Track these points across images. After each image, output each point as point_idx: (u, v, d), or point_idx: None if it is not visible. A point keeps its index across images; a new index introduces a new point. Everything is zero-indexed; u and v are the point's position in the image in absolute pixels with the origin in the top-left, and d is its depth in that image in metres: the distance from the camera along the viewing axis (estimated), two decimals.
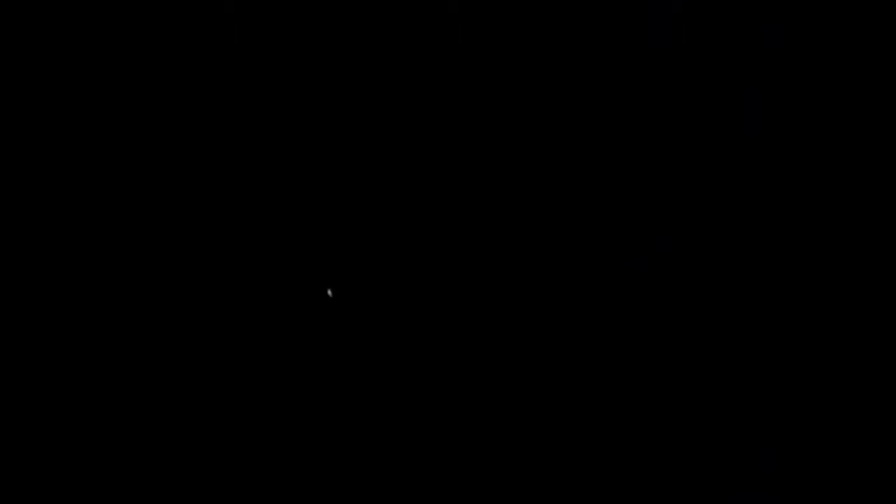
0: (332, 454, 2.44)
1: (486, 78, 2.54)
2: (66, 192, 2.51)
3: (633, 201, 2.50)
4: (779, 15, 2.48)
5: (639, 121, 2.52)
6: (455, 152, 2.54)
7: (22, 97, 2.51)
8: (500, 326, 2.47)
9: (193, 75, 2.54)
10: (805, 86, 2.49)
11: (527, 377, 2.46)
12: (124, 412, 2.44)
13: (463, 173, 2.53)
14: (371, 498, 2.42)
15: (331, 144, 2.55)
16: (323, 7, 2.55)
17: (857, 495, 2.35)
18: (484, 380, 2.46)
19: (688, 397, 2.43)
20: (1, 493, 2.37)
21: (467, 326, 2.48)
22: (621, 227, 2.49)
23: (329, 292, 2.29)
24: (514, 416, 2.44)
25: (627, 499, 2.39)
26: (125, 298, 2.49)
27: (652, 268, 2.47)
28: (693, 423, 2.42)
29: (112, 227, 2.50)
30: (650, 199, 2.50)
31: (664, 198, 2.49)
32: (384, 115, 2.55)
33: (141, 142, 2.53)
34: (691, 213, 2.49)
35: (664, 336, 2.45)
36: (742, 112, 2.49)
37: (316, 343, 2.48)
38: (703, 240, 2.48)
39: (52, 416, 2.43)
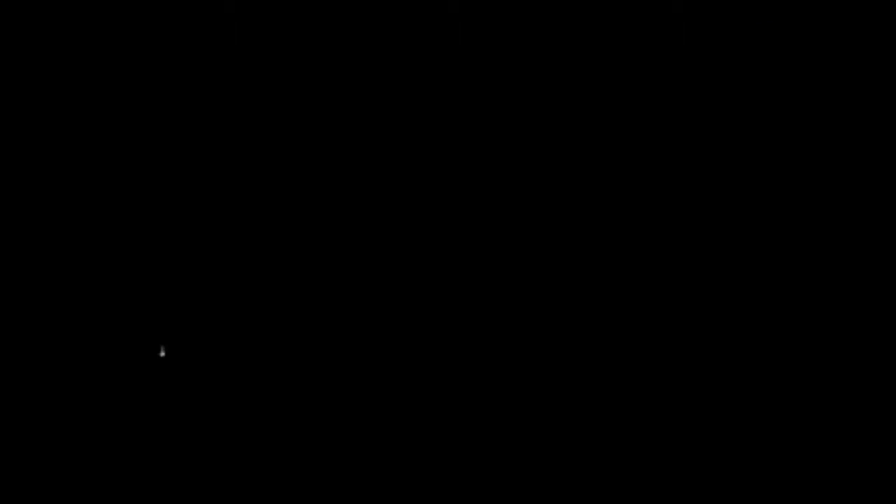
0: (332, 454, 2.44)
1: (485, 77, 2.54)
2: (65, 192, 2.51)
3: (624, 197, 2.50)
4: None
5: (639, 122, 2.52)
6: (452, 150, 2.54)
7: (21, 97, 2.51)
8: (490, 321, 2.48)
9: (193, 75, 2.54)
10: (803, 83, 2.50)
11: (518, 372, 2.46)
12: (125, 412, 2.44)
13: (461, 171, 2.53)
14: (371, 498, 2.42)
15: (331, 144, 2.55)
16: (323, 7, 2.55)
17: (856, 495, 2.35)
18: (470, 374, 2.46)
19: (679, 397, 2.43)
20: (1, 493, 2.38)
21: (454, 321, 2.48)
22: (611, 222, 2.49)
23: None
24: (503, 412, 2.44)
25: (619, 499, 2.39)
26: (125, 298, 2.49)
27: (644, 265, 2.47)
28: (687, 424, 2.42)
29: (111, 227, 2.50)
30: (641, 196, 2.50)
31: (656, 195, 2.50)
32: (384, 115, 2.55)
33: (140, 141, 2.53)
34: (683, 211, 2.49)
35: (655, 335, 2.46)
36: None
37: (316, 343, 2.49)
38: (697, 239, 2.48)
39: (51, 416, 2.43)
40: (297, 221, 2.52)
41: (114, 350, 2.46)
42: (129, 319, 2.48)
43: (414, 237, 2.52)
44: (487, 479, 2.41)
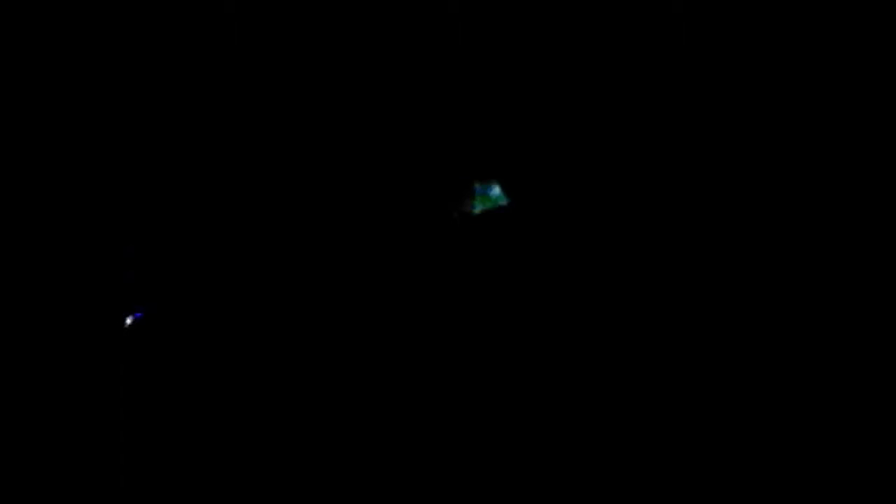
0: (332, 454, 2.44)
1: (485, 77, 2.55)
2: (65, 193, 2.51)
3: None
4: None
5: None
6: (452, 150, 2.54)
7: (21, 97, 2.52)
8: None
9: (193, 75, 2.54)
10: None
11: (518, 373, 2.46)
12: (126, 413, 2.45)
13: (460, 171, 2.54)
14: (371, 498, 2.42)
15: (331, 144, 2.56)
16: (323, 7, 2.56)
17: (856, 495, 2.35)
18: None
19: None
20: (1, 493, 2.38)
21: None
22: None
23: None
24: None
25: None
26: (126, 298, 2.49)
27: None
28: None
29: (111, 227, 2.51)
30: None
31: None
32: (384, 115, 2.55)
33: (140, 141, 2.54)
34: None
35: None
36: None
37: (316, 344, 2.49)
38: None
39: (51, 416, 2.43)
40: (297, 221, 2.53)
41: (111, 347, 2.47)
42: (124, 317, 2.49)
43: (416, 236, 2.52)
44: (486, 479, 2.42)
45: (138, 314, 2.45)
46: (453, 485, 2.42)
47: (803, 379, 2.42)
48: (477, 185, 2.33)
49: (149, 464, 2.42)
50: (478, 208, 2.47)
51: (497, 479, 2.41)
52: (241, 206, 2.54)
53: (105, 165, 2.53)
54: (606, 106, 2.53)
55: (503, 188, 2.52)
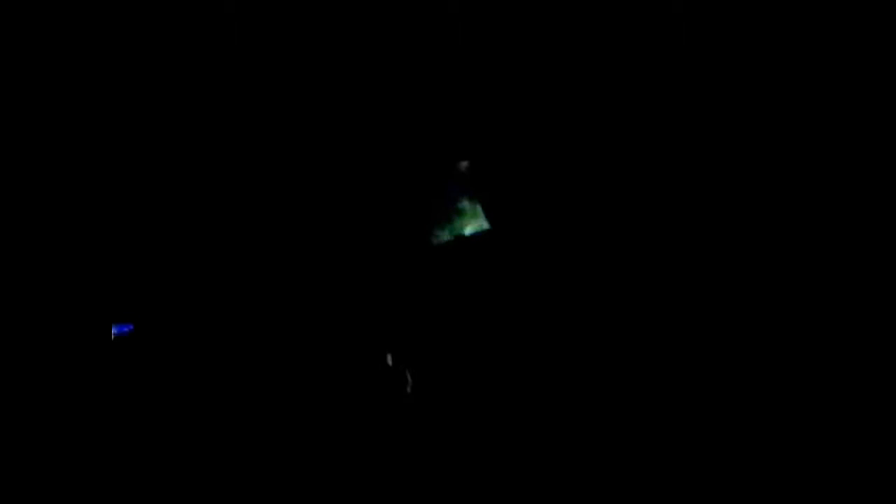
0: (333, 454, 2.44)
1: (484, 77, 2.55)
2: (65, 193, 2.51)
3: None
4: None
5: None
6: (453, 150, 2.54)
7: (21, 97, 2.51)
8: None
9: (193, 75, 2.54)
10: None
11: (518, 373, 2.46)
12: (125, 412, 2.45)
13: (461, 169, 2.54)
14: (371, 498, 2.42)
15: (331, 144, 2.55)
16: (323, 7, 2.55)
17: (856, 495, 2.35)
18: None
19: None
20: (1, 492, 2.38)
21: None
22: None
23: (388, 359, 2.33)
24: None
25: None
26: (126, 299, 2.49)
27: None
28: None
29: (110, 227, 2.51)
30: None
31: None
32: (384, 115, 2.55)
33: (140, 141, 2.54)
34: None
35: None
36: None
37: (317, 344, 2.49)
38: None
39: (52, 417, 2.43)
40: (297, 221, 2.53)
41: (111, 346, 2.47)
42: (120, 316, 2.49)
43: (420, 236, 2.52)
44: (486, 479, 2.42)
45: (129, 326, 2.45)
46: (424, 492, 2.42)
47: (800, 379, 2.43)
48: (467, 206, 2.33)
49: (149, 462, 2.42)
50: (468, 231, 2.47)
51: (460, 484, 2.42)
52: (238, 209, 2.54)
53: (105, 166, 2.53)
54: (601, 118, 2.53)
55: (493, 208, 2.52)
